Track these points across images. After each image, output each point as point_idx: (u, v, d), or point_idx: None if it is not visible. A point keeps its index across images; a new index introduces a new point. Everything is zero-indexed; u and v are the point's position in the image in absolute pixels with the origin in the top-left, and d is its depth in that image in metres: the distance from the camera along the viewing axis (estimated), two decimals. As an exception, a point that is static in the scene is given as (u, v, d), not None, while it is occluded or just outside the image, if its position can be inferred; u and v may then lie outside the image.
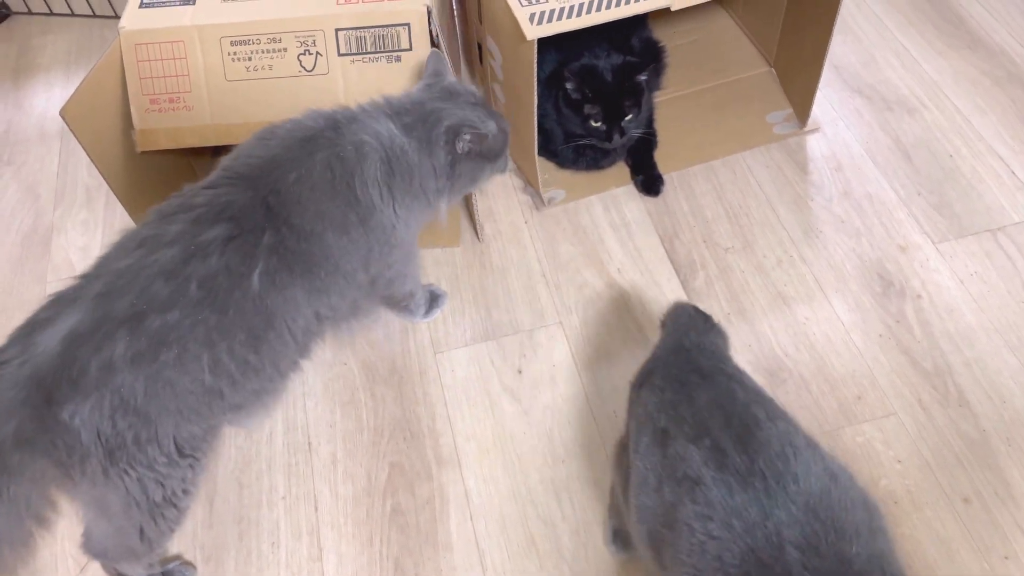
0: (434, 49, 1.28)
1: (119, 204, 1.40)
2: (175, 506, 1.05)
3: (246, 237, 1.03)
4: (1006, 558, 1.15)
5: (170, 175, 1.57)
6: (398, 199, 1.15)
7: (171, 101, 1.37)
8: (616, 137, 1.50)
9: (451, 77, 1.25)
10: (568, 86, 1.50)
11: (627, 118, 1.50)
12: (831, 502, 0.79)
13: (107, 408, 0.94)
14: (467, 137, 1.18)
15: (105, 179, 1.34)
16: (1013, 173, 1.56)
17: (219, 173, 1.11)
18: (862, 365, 1.35)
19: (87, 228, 1.67)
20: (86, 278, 1.01)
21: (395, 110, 1.18)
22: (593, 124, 1.50)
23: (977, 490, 1.21)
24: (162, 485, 1.02)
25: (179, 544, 1.24)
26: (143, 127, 1.39)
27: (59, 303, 0.98)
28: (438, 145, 1.17)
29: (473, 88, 1.26)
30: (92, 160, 1.29)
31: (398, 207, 1.15)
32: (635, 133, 1.55)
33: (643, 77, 1.50)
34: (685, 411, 0.89)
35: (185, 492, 1.06)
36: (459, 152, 1.19)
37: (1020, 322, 1.37)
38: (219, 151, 1.72)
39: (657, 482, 0.88)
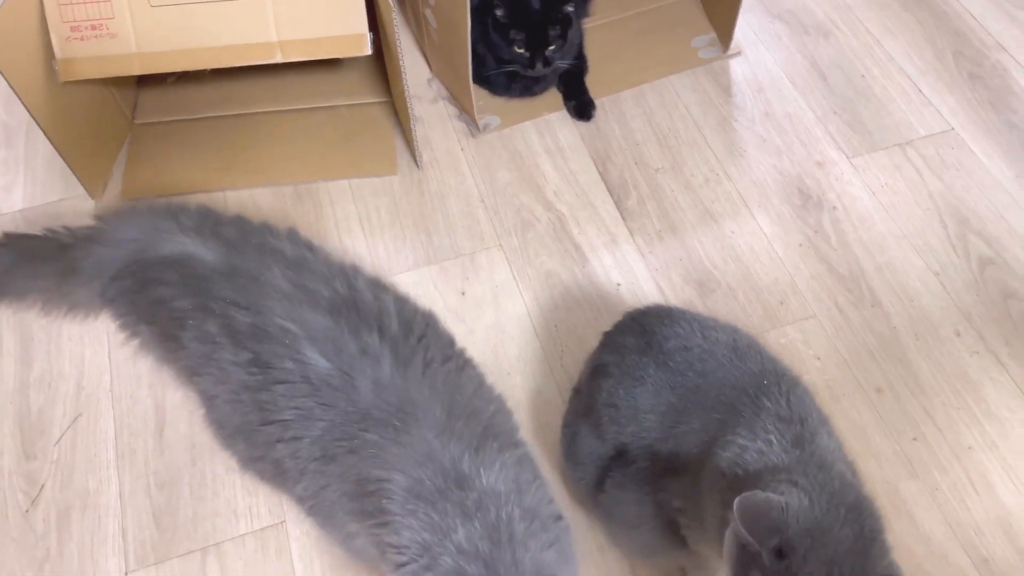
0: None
1: (41, 142, 1.36)
2: None
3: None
4: (914, 439, 1.26)
5: (95, 107, 1.53)
6: None
7: (93, 28, 1.33)
8: (539, 65, 1.53)
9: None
10: (497, 12, 1.51)
11: (551, 48, 1.52)
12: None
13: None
14: None
15: (28, 110, 1.30)
16: (920, 91, 1.66)
17: None
18: (784, 273, 1.44)
19: (8, 168, 1.61)
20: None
21: None
22: (517, 50, 1.53)
23: (889, 381, 1.32)
24: None
25: (130, 472, 1.25)
26: (64, 56, 1.34)
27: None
28: None
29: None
30: (14, 89, 1.25)
31: None
32: (561, 64, 1.57)
33: (570, 8, 1.52)
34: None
35: None
36: None
37: (926, 228, 1.48)
38: (144, 81, 1.69)
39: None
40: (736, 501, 0.73)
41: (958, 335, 1.36)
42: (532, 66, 1.53)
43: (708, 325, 0.98)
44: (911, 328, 1.37)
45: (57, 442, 1.28)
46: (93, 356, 1.36)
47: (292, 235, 1.03)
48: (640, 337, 0.98)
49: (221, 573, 1.17)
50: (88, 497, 1.23)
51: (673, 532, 0.93)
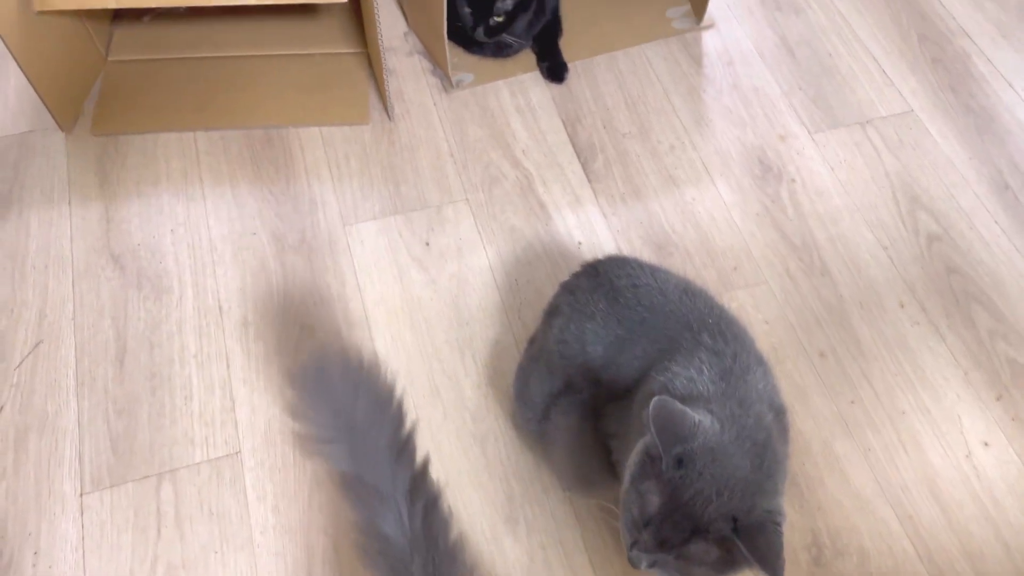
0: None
1: (13, 73, 1.36)
2: None
3: None
4: (852, 402, 1.32)
5: (69, 41, 1.52)
6: None
7: (68, -43, 1.33)
8: (480, 31, 1.56)
9: None
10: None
11: (496, 19, 1.55)
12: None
13: None
14: None
15: (1, 39, 1.30)
16: (883, 71, 1.71)
17: None
18: (740, 240, 1.48)
19: (-23, 97, 1.61)
20: None
21: None
22: (465, 9, 1.56)
23: (832, 346, 1.37)
24: None
25: (89, 399, 1.27)
26: (39, -16, 1.34)
27: None
28: None
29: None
30: (-15, 13, 1.25)
31: None
32: (509, 41, 1.61)
33: None
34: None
35: None
36: None
37: (879, 203, 1.53)
38: (119, 18, 1.69)
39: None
40: (653, 400, 0.77)
41: (902, 306, 1.41)
42: (474, 29, 1.56)
43: (661, 270, 1.02)
44: (857, 297, 1.42)
45: (18, 366, 1.30)
46: (57, 285, 1.38)
47: None
48: (593, 278, 1.02)
49: (175, 498, 1.20)
50: (47, 420, 1.25)
51: (608, 462, 0.97)
